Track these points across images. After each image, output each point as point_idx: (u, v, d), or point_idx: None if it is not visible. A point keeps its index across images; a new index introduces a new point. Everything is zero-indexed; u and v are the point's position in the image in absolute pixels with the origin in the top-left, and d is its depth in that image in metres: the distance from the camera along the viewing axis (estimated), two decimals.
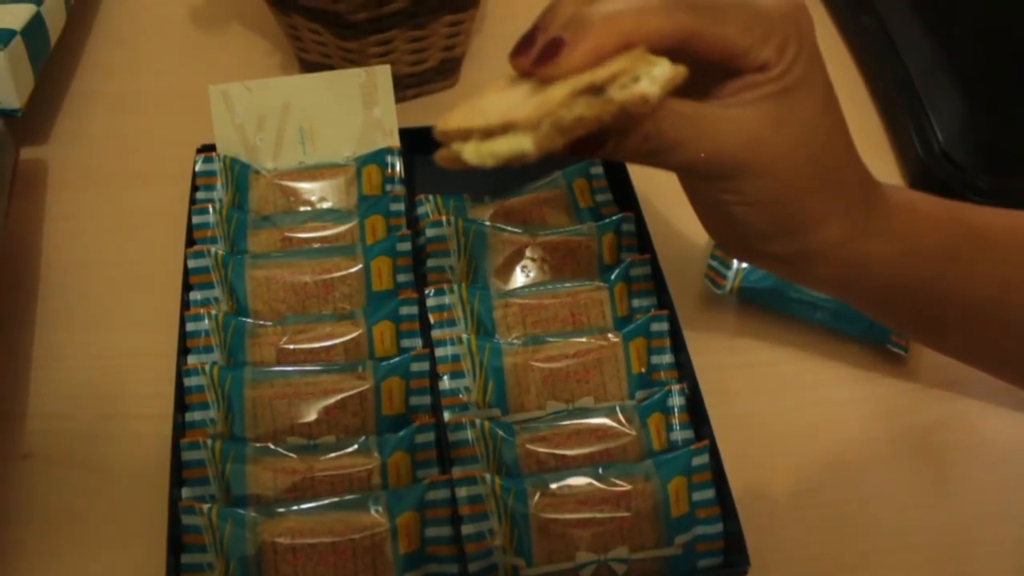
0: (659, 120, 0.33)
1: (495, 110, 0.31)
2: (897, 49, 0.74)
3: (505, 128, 0.30)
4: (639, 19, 0.32)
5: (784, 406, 0.57)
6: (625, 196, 0.61)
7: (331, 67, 0.69)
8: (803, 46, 0.34)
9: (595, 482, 0.48)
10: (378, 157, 0.62)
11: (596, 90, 0.31)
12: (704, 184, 0.37)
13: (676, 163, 0.35)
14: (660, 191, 0.62)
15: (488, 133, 0.30)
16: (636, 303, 0.57)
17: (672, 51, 0.33)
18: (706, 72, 0.35)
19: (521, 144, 0.30)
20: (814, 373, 0.59)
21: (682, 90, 0.33)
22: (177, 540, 0.46)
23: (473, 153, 0.30)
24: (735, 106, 0.34)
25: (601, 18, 0.32)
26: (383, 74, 0.62)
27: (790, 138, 0.35)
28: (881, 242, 0.39)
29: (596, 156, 0.35)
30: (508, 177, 0.61)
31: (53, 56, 0.69)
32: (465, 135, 0.31)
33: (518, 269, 0.58)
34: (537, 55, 0.32)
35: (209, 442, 0.49)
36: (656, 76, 0.31)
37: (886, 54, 0.74)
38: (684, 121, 0.34)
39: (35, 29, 0.66)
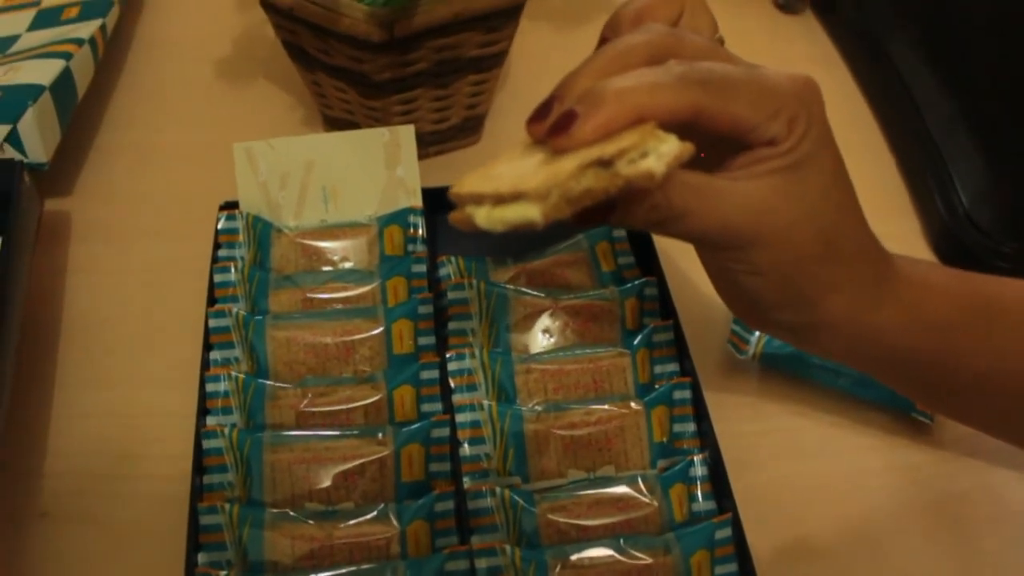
0: (667, 190, 0.34)
1: (508, 177, 0.32)
2: (919, 108, 0.73)
3: (515, 196, 0.31)
4: (650, 96, 0.32)
5: (807, 474, 0.56)
6: (648, 260, 0.61)
7: (355, 124, 0.70)
8: (812, 123, 0.35)
9: (616, 554, 0.48)
10: (400, 217, 0.62)
11: (604, 163, 0.31)
12: (713, 253, 0.37)
13: (683, 232, 0.36)
14: (683, 255, 0.62)
15: (499, 199, 0.31)
16: (658, 369, 0.56)
17: (683, 125, 0.33)
18: (718, 144, 0.35)
19: (529, 213, 0.31)
20: (838, 440, 0.58)
21: (694, 160, 0.33)
22: None
23: (484, 218, 0.31)
24: (744, 179, 0.35)
25: (613, 94, 0.32)
26: (407, 134, 0.62)
27: (798, 212, 0.35)
28: (889, 314, 0.38)
29: (603, 224, 0.36)
30: (531, 239, 0.61)
31: (79, 109, 0.69)
32: (478, 199, 0.32)
33: (540, 333, 0.57)
34: (551, 126, 0.33)
35: (227, 506, 0.49)
36: (663, 153, 0.32)
37: (908, 113, 0.74)
38: (692, 192, 0.34)
39: (63, 84, 0.67)
